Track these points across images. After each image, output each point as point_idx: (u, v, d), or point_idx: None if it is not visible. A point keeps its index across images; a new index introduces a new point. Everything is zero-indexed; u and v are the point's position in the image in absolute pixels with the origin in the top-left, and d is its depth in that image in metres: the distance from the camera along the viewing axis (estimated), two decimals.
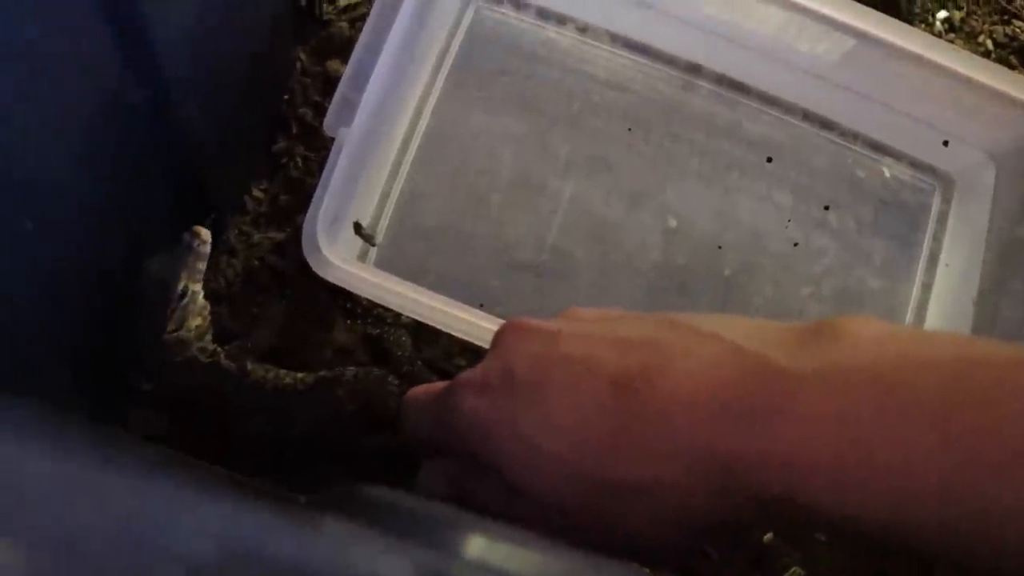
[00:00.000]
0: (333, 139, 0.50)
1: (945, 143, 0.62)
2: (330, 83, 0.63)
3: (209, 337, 0.52)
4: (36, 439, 0.19)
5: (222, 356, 0.52)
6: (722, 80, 0.64)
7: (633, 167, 0.62)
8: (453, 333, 0.51)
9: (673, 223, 0.61)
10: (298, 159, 0.61)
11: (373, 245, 0.58)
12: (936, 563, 0.50)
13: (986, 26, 0.70)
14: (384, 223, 0.60)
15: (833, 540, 0.56)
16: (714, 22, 0.60)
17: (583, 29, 0.64)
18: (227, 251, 0.59)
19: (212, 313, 0.53)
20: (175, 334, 0.50)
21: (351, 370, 0.53)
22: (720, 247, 0.61)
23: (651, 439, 0.32)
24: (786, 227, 0.62)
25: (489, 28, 0.63)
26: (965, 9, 0.71)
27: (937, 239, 0.63)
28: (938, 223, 0.63)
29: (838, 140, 0.64)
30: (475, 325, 0.49)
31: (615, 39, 0.64)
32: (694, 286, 0.60)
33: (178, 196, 0.53)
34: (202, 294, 0.52)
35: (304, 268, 0.57)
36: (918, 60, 0.54)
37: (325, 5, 0.65)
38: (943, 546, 0.29)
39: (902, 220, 0.63)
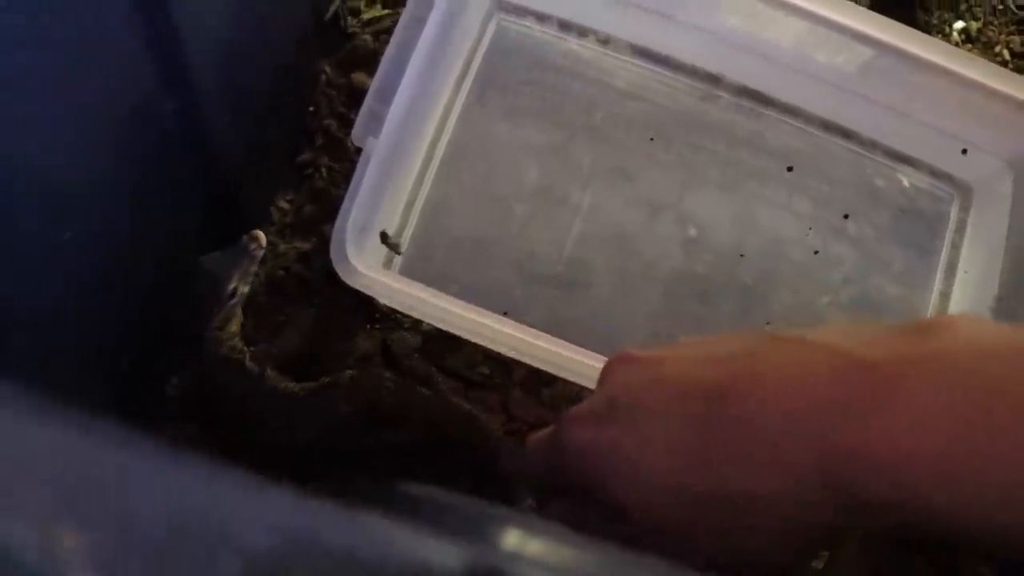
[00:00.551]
0: (359, 150, 0.51)
1: (963, 152, 0.62)
2: (355, 95, 0.64)
3: (239, 339, 0.53)
4: (98, 433, 0.19)
5: (247, 357, 0.53)
6: (742, 91, 0.64)
7: (654, 177, 0.63)
8: (477, 341, 0.52)
9: (693, 232, 0.62)
10: (323, 170, 0.62)
11: (399, 254, 0.59)
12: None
13: (1003, 36, 0.71)
14: (409, 232, 0.60)
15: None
16: (734, 33, 0.60)
17: (605, 41, 0.64)
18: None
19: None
20: (217, 332, 0.51)
21: (348, 373, 0.54)
22: (741, 255, 0.62)
23: (749, 449, 0.32)
24: (806, 235, 0.62)
25: (512, 40, 0.64)
26: (982, 20, 0.71)
27: (955, 247, 0.63)
28: (956, 231, 0.64)
29: (857, 149, 0.64)
30: (500, 332, 0.50)
31: (636, 50, 0.64)
32: (714, 294, 0.61)
33: (207, 206, 0.54)
34: (248, 296, 0.53)
35: (329, 277, 0.58)
36: (936, 70, 0.55)
37: (350, 18, 0.66)
38: None
39: (921, 228, 0.64)
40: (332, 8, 0.65)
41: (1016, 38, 0.71)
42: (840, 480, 0.30)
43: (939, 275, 0.63)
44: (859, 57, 0.58)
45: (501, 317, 0.51)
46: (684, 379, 0.35)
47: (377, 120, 0.51)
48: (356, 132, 0.52)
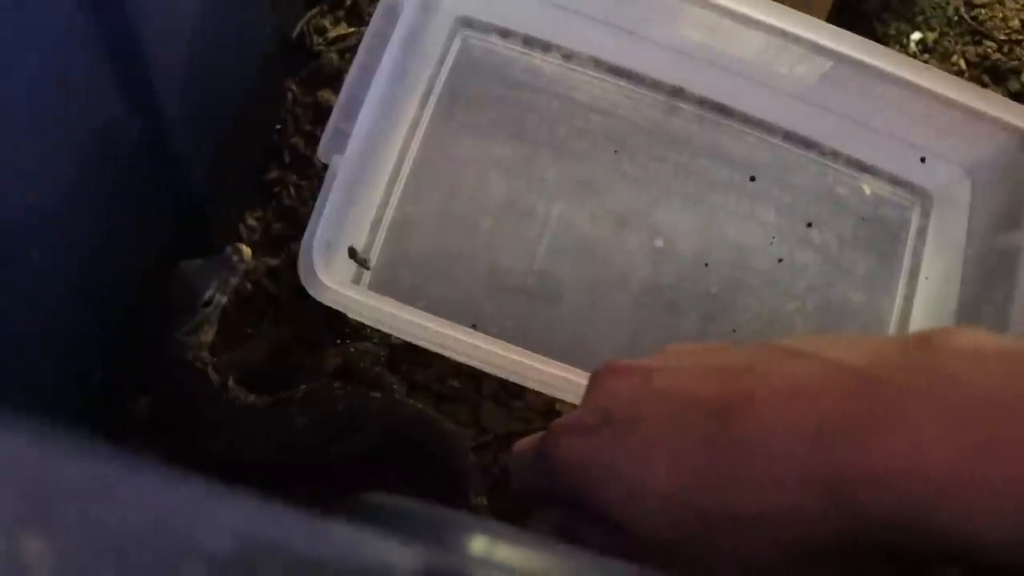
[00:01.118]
0: (326, 167, 0.52)
1: (922, 160, 0.63)
2: (321, 113, 0.64)
3: (207, 351, 0.53)
4: (62, 443, 0.19)
5: (210, 367, 0.53)
6: (705, 103, 0.65)
7: (620, 189, 0.63)
8: (447, 354, 0.52)
9: (660, 242, 0.63)
10: (291, 187, 0.63)
11: (367, 269, 0.59)
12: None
13: (958, 47, 0.72)
14: (377, 248, 0.61)
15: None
16: (696, 46, 0.61)
17: (568, 56, 0.65)
18: None
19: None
20: (186, 337, 0.51)
21: (304, 388, 0.54)
22: (707, 264, 0.62)
23: (752, 466, 0.31)
24: (770, 244, 0.63)
25: (476, 57, 0.65)
26: (938, 31, 0.73)
27: (917, 253, 0.65)
28: (917, 237, 0.65)
29: (819, 159, 0.65)
30: (469, 345, 0.50)
31: (599, 65, 0.65)
32: (682, 303, 0.62)
33: (176, 224, 0.54)
34: (223, 307, 0.53)
35: (298, 292, 0.58)
36: (895, 80, 0.56)
37: (315, 37, 0.66)
38: None
39: (882, 235, 0.65)
40: (298, 27, 0.66)
41: (971, 48, 0.72)
42: (845, 498, 0.29)
43: (902, 281, 0.64)
44: (819, 68, 0.59)
45: (470, 330, 0.51)
46: (683, 393, 0.34)
47: (343, 137, 0.52)
48: (322, 149, 0.52)
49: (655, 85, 0.65)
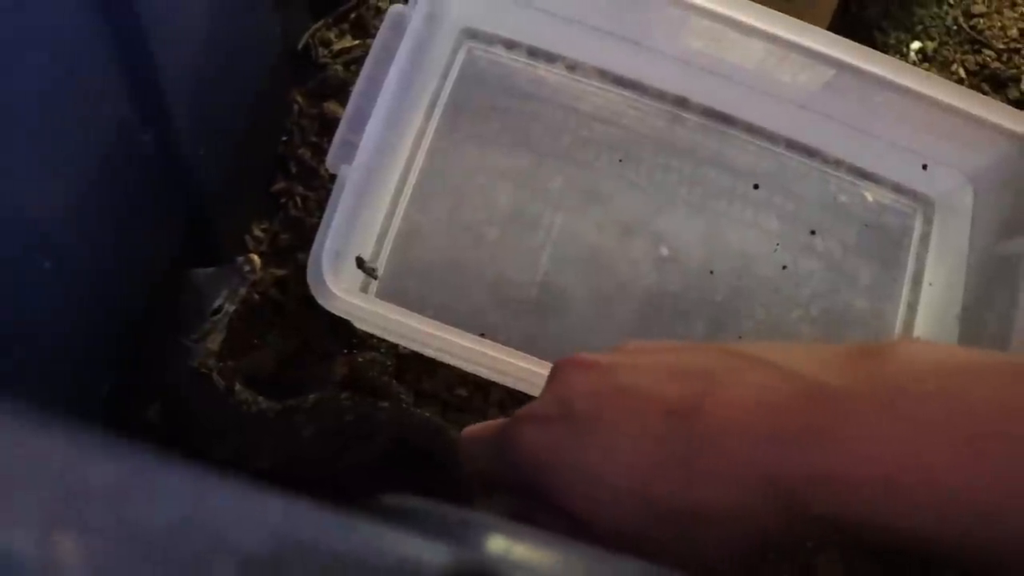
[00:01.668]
0: (333, 177, 0.52)
1: (924, 167, 0.64)
2: (327, 124, 0.64)
3: (214, 358, 0.53)
4: (93, 443, 0.20)
5: (215, 373, 0.53)
6: (708, 112, 0.66)
7: (624, 198, 0.64)
8: (455, 363, 0.52)
9: (665, 251, 0.63)
10: (297, 198, 0.63)
11: (375, 279, 0.59)
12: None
13: (958, 56, 0.73)
14: (384, 258, 0.61)
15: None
16: (699, 56, 0.62)
17: (572, 67, 0.66)
18: None
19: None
20: (191, 343, 0.51)
21: (312, 397, 0.54)
22: (711, 272, 0.63)
23: (707, 465, 0.33)
24: (774, 252, 0.64)
25: (481, 68, 0.65)
26: (937, 40, 0.73)
27: (920, 259, 0.65)
28: (920, 244, 0.65)
29: (821, 167, 0.66)
30: (477, 353, 0.50)
31: (604, 75, 0.66)
32: (687, 312, 0.62)
33: (183, 235, 0.54)
34: (231, 316, 0.53)
35: (305, 302, 0.59)
36: (896, 88, 0.57)
37: (320, 49, 0.67)
38: (991, 561, 0.29)
39: (885, 242, 0.65)
40: (303, 39, 0.66)
41: (971, 57, 0.73)
42: (791, 497, 0.31)
43: (905, 287, 0.64)
44: (821, 77, 0.59)
45: (478, 338, 0.51)
46: (644, 391, 0.35)
47: (351, 148, 0.52)
48: (330, 160, 0.52)
49: (659, 95, 0.66)
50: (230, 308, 0.52)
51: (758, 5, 0.56)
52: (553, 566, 0.23)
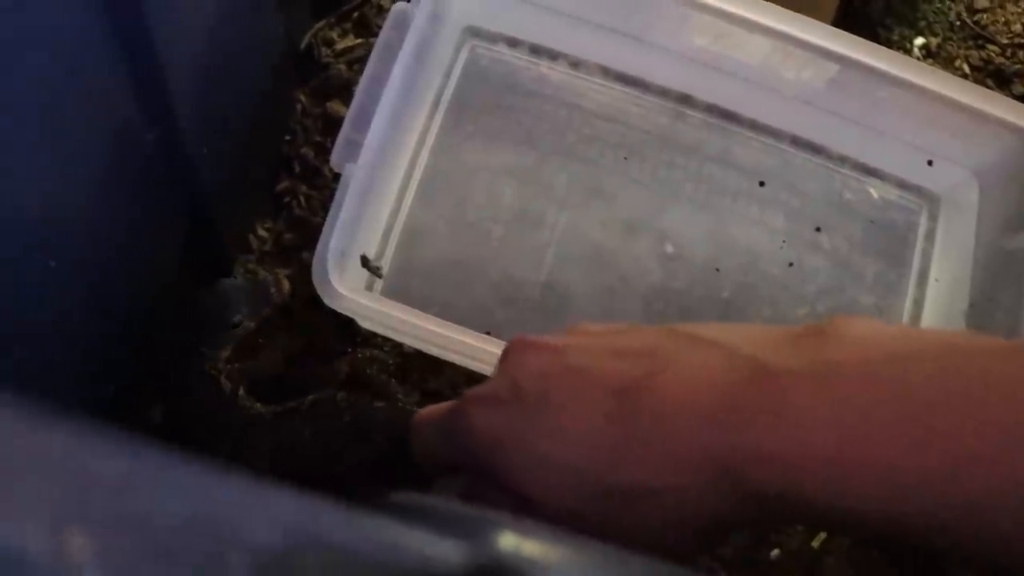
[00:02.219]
0: (338, 177, 0.52)
1: (929, 163, 0.64)
2: (331, 123, 0.64)
3: (224, 363, 0.53)
4: (104, 439, 0.20)
5: (223, 376, 0.53)
6: (713, 109, 0.65)
7: (629, 196, 0.64)
8: (461, 362, 0.52)
9: (670, 248, 0.63)
10: (301, 198, 0.63)
11: (380, 277, 0.59)
12: (942, 557, 0.51)
13: (962, 51, 0.73)
14: (388, 257, 0.61)
15: (834, 534, 0.57)
16: (703, 53, 0.62)
17: (575, 64, 0.65)
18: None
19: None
20: (205, 349, 0.51)
21: (310, 398, 0.54)
22: (717, 270, 0.62)
23: (653, 444, 0.33)
24: (780, 249, 0.64)
25: (484, 66, 0.65)
26: (941, 36, 0.73)
27: (926, 255, 0.65)
28: (926, 240, 0.65)
29: (826, 163, 0.66)
30: (483, 351, 0.50)
31: (607, 72, 0.65)
32: (693, 309, 0.62)
33: (188, 235, 0.54)
34: (250, 331, 0.53)
35: (310, 302, 0.58)
36: (901, 83, 0.56)
37: (323, 48, 0.66)
38: (937, 536, 0.30)
39: (891, 239, 0.65)
40: (306, 39, 0.66)
41: (975, 52, 0.73)
42: (736, 475, 0.32)
43: (911, 284, 0.64)
44: (825, 73, 0.59)
45: (483, 336, 0.51)
46: (591, 372, 0.35)
47: (355, 146, 0.52)
48: (335, 159, 0.52)
49: (663, 92, 0.65)
50: (249, 324, 0.52)
51: (762, 1, 0.56)
52: (566, 562, 0.23)
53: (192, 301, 0.52)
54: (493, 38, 0.65)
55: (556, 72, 0.66)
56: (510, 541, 0.23)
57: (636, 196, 0.64)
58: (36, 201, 0.39)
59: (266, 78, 0.60)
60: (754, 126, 0.65)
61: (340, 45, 0.67)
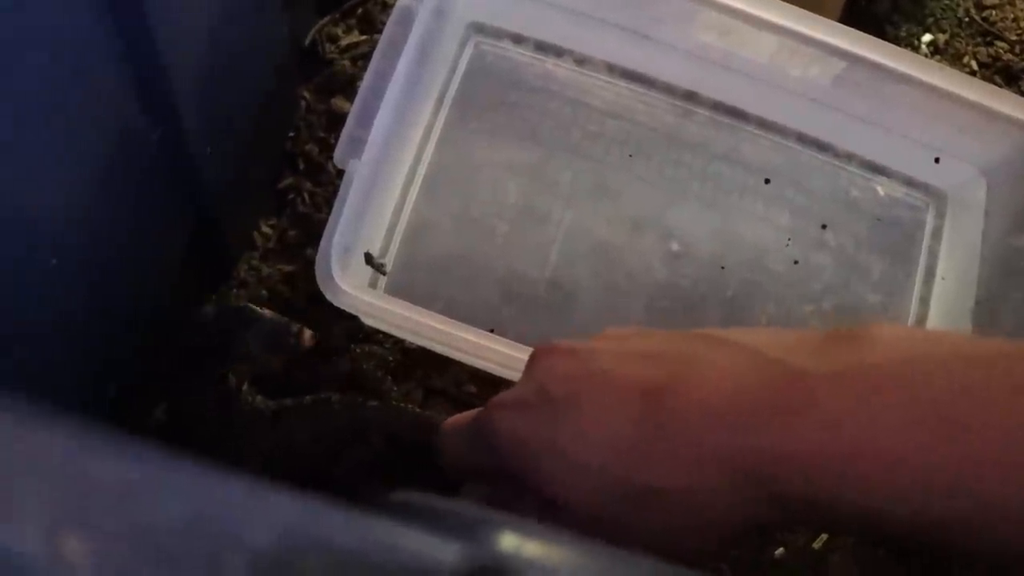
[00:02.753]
0: (341, 173, 0.52)
1: (936, 160, 0.63)
2: (335, 120, 0.64)
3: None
4: (100, 441, 0.19)
5: (229, 372, 0.53)
6: (718, 106, 0.65)
7: (635, 193, 0.63)
8: (465, 359, 0.52)
9: (676, 246, 0.63)
10: (305, 194, 0.63)
11: (384, 274, 0.59)
12: (949, 556, 0.51)
13: (970, 48, 0.72)
14: (392, 253, 0.61)
15: (860, 538, 0.57)
16: (709, 50, 0.61)
17: (581, 61, 0.65)
18: (237, 284, 0.60)
19: None
20: (216, 362, 0.51)
21: (308, 399, 0.54)
22: (723, 268, 0.62)
23: (679, 446, 0.33)
24: (786, 246, 0.63)
25: (489, 62, 0.65)
26: (949, 32, 0.73)
27: (933, 253, 0.64)
28: (933, 238, 0.65)
29: (832, 161, 0.65)
30: (487, 349, 0.50)
31: (612, 69, 0.65)
32: (699, 307, 0.62)
33: (192, 233, 0.54)
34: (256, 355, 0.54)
35: (313, 299, 0.58)
36: (908, 80, 0.56)
37: (328, 45, 0.66)
38: (966, 539, 0.30)
39: (898, 236, 0.65)
40: (310, 35, 0.66)
41: (982, 49, 0.72)
42: (761, 477, 0.32)
43: (918, 282, 0.64)
44: (832, 70, 0.59)
45: (488, 333, 0.51)
46: (620, 375, 0.36)
47: (359, 143, 0.52)
48: (338, 155, 0.52)
49: (669, 89, 0.65)
50: (267, 360, 0.52)
51: None
52: (566, 563, 0.23)
53: (213, 315, 0.52)
54: (498, 34, 0.65)
55: (561, 69, 0.65)
56: (511, 542, 0.23)
57: (642, 193, 0.63)
58: (39, 200, 0.39)
59: (270, 75, 0.59)
60: (760, 123, 0.65)
61: (344, 41, 0.67)
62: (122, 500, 0.18)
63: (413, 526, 0.21)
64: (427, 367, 0.59)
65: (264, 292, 0.60)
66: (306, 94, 0.65)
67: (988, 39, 0.73)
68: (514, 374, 0.51)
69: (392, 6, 0.56)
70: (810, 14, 0.56)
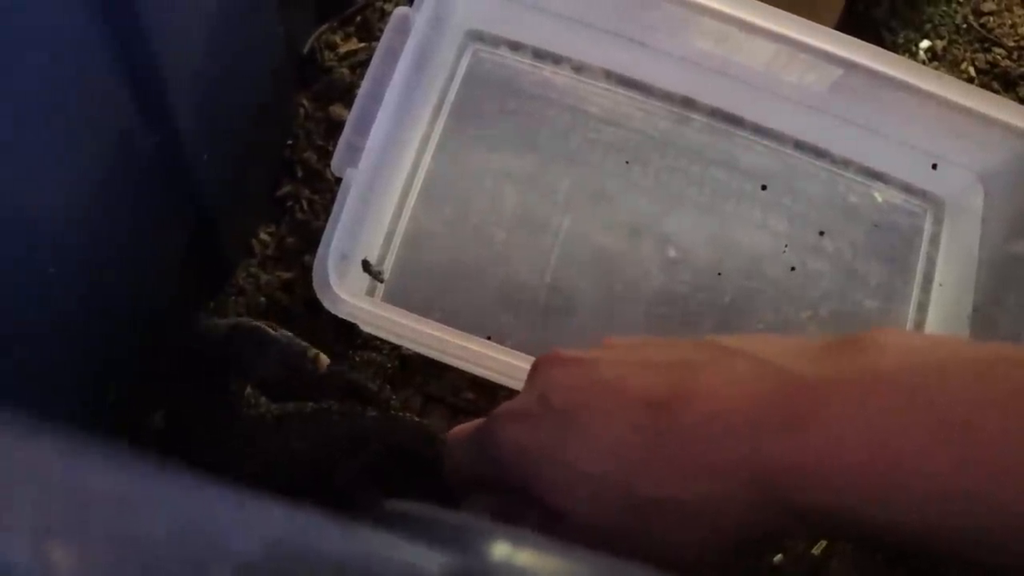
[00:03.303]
0: (339, 181, 0.52)
1: (934, 166, 0.63)
2: (333, 127, 0.64)
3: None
4: (88, 450, 0.19)
5: (232, 373, 0.53)
6: (715, 113, 0.65)
7: (632, 200, 0.63)
8: (463, 366, 0.52)
9: (673, 253, 0.63)
10: (303, 202, 0.63)
11: (381, 282, 0.59)
12: (946, 562, 0.51)
13: (968, 54, 0.73)
14: (390, 261, 0.61)
15: (868, 545, 0.57)
16: (706, 57, 0.61)
17: (578, 68, 0.65)
18: (236, 292, 0.60)
19: None
20: (224, 377, 0.52)
21: (311, 406, 0.54)
22: (720, 274, 0.62)
23: (687, 456, 0.33)
24: (783, 253, 0.63)
25: (487, 70, 0.65)
26: (947, 38, 0.73)
27: (930, 260, 0.64)
28: (930, 244, 0.65)
29: (830, 167, 0.65)
30: (485, 356, 0.50)
31: (610, 76, 0.65)
32: (696, 313, 0.62)
33: (190, 240, 0.54)
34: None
35: (310, 306, 0.58)
36: (905, 87, 0.56)
37: (326, 52, 0.66)
38: (957, 543, 0.30)
39: (895, 243, 0.65)
40: (308, 43, 0.66)
41: (980, 56, 0.72)
42: (771, 488, 0.32)
43: (916, 288, 0.64)
44: (829, 77, 0.59)
45: (485, 341, 0.51)
46: (624, 384, 0.35)
47: (356, 151, 0.52)
48: (336, 163, 0.52)
49: (666, 96, 0.65)
50: (271, 379, 0.53)
51: (765, 5, 0.56)
52: (556, 573, 0.23)
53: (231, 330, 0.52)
54: (495, 42, 0.65)
55: (559, 76, 0.65)
56: (502, 551, 0.23)
57: (639, 200, 0.64)
58: (37, 203, 0.39)
59: (268, 82, 0.60)
60: (757, 130, 0.65)
61: (342, 49, 0.67)
62: (110, 510, 0.18)
63: (400, 536, 0.21)
64: (425, 374, 0.59)
65: (262, 299, 0.60)
66: (304, 101, 0.65)
67: (986, 45, 0.73)
68: (512, 381, 0.51)
69: (390, 14, 0.56)
70: (807, 21, 0.56)
